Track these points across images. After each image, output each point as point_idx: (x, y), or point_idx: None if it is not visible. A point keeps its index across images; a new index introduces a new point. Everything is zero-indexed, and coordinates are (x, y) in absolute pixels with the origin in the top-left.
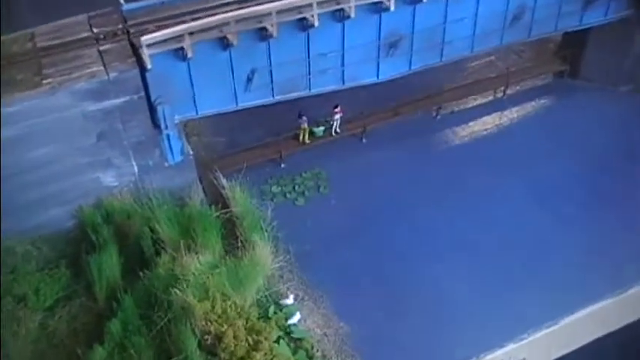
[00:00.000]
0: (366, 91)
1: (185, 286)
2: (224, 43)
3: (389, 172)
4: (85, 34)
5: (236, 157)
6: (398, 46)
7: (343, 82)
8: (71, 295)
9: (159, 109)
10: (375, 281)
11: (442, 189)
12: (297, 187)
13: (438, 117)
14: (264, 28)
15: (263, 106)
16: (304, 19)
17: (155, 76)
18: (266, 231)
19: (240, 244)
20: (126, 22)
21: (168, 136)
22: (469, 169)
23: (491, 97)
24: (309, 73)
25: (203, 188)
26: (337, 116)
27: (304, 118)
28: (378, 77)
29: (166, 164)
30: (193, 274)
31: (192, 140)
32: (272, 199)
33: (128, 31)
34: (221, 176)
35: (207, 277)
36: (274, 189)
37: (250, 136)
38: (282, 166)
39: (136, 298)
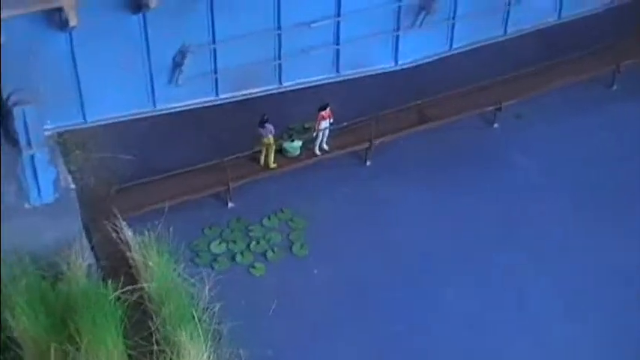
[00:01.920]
0: (374, 81)
1: None
2: (133, 3)
3: (408, 218)
4: None
5: (152, 189)
6: (431, 12)
7: (337, 70)
8: None
9: (16, 112)
10: None
11: (495, 251)
12: (254, 244)
13: (496, 125)
14: None
15: (199, 107)
16: None
17: (10, 56)
18: (201, 323)
19: (156, 346)
20: None
21: (32, 157)
22: (541, 215)
23: (589, 88)
24: (280, 56)
25: (92, 247)
26: (325, 123)
27: (269, 126)
28: (396, 62)
29: (28, 206)
30: None
31: (74, 156)
32: (212, 265)
33: None
34: (125, 225)
35: None
36: (216, 247)
37: (177, 153)
38: (230, 205)
39: None
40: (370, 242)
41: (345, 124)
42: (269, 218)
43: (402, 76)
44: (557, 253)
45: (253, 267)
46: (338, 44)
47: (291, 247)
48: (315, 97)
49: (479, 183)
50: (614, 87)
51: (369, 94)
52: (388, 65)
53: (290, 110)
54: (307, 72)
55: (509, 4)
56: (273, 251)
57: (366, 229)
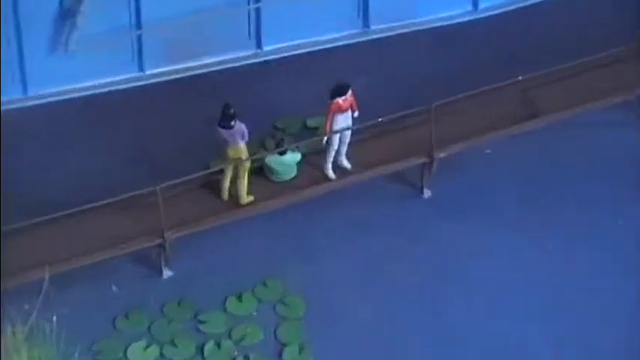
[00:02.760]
0: (434, 41)
1: None
2: None
3: (495, 295)
4: None
5: (22, 244)
6: None
7: (366, 24)
8: None
9: None
10: None
11: None
12: (211, 349)
13: None
14: None
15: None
16: None
17: None
18: None
19: None
20: None
21: None
22: None
23: None
24: None
25: None
26: (343, 119)
27: (238, 125)
28: (475, 7)
29: None
30: None
31: None
32: None
33: None
34: None
35: None
36: (139, 354)
37: (72, 178)
38: (167, 275)
39: None
40: (419, 338)
41: (381, 119)
42: (239, 299)
43: (489, 30)
44: None
45: None
46: None
47: (281, 353)
48: (326, 72)
49: (629, 234)
50: None
51: (427, 65)
52: (461, 12)
53: (278, 96)
54: (308, 27)
55: None
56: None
57: (413, 316)
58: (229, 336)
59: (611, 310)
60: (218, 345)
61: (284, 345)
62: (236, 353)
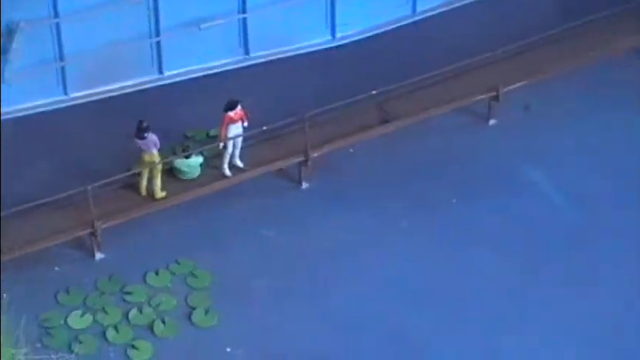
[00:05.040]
0: (306, 64)
1: None
2: None
3: (363, 269)
4: None
5: None
6: None
7: (246, 51)
8: None
9: None
10: None
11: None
12: (135, 314)
13: (493, 121)
14: None
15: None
16: None
17: None
18: None
19: None
20: None
21: None
22: (572, 268)
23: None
24: (158, 33)
25: None
26: (236, 128)
27: (151, 136)
28: (333, 35)
29: None
30: None
31: None
32: (71, 347)
33: None
34: None
35: None
36: (77, 320)
37: (15, 181)
38: (99, 257)
39: None
40: (308, 306)
41: (265, 127)
42: (157, 274)
43: (348, 55)
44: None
45: (134, 347)
46: (244, 12)
47: (190, 316)
48: (219, 91)
49: (467, 212)
50: None
51: (300, 84)
52: (323, 40)
53: (181, 112)
54: (200, 55)
55: None
56: (163, 322)
57: (301, 287)
58: (149, 304)
59: (484, 285)
60: (140, 311)
61: (193, 309)
62: (154, 317)
